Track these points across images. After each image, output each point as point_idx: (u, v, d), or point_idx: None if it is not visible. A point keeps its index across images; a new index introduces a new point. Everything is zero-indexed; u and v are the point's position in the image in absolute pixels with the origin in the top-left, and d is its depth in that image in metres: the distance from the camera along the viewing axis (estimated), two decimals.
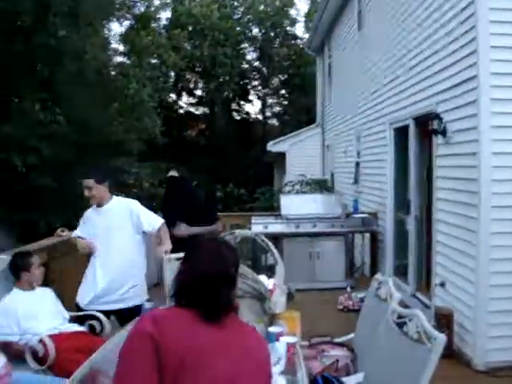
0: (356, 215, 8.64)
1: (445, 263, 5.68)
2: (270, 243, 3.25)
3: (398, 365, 2.52)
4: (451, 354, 5.02)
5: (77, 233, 4.56)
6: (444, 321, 5.16)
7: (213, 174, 25.57)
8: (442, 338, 2.24)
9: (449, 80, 5.52)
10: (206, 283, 1.90)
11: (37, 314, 3.82)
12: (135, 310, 4.12)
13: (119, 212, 4.43)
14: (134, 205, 4.57)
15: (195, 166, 25.21)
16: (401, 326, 2.59)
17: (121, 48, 21.49)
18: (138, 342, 1.73)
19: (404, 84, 7.11)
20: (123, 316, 4.11)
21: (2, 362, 3.27)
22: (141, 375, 1.68)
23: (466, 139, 5.13)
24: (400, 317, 2.63)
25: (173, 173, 5.90)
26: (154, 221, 4.55)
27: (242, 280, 3.01)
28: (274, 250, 3.23)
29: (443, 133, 5.59)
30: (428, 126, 5.90)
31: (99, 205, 4.43)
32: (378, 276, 3.43)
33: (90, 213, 4.55)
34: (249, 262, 7.97)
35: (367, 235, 8.68)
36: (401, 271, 7.54)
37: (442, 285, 5.62)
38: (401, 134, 7.45)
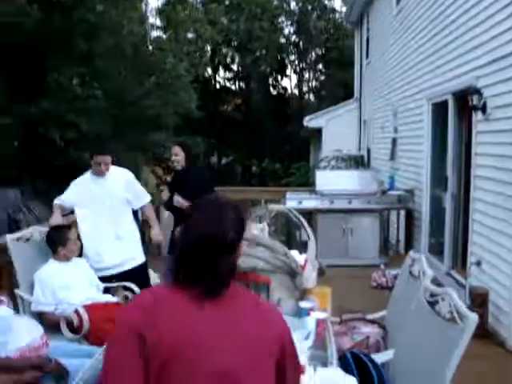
0: (392, 192, 8.54)
1: (481, 242, 5.59)
2: (302, 218, 3.24)
3: (429, 343, 2.49)
4: (485, 334, 4.97)
5: (66, 199, 4.68)
6: (479, 300, 5.10)
7: (248, 149, 25.60)
8: (474, 317, 2.20)
9: (489, 54, 5.37)
10: (199, 249, 1.63)
11: (71, 284, 3.91)
12: (134, 272, 4.54)
13: (116, 182, 4.64)
14: (129, 176, 4.82)
15: (231, 141, 25.28)
16: (433, 304, 2.55)
17: (158, 22, 21.48)
18: (123, 332, 1.57)
19: (443, 58, 6.95)
20: (125, 279, 4.37)
21: (40, 333, 3.36)
22: (128, 367, 1.54)
23: (506, 115, 5.00)
24: (432, 295, 2.59)
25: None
26: (140, 199, 4.83)
27: (274, 255, 3.02)
28: (306, 225, 3.22)
29: (483, 109, 5.45)
30: (467, 102, 5.76)
31: (101, 175, 4.60)
32: (412, 253, 3.39)
33: (86, 180, 4.69)
34: (283, 238, 7.99)
35: (403, 212, 8.58)
36: (436, 249, 7.45)
37: (478, 264, 5.53)
38: (439, 109, 7.31)
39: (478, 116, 5.67)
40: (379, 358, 2.86)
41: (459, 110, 6.67)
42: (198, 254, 1.63)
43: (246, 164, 27.27)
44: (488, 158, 5.50)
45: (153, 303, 1.59)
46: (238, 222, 1.69)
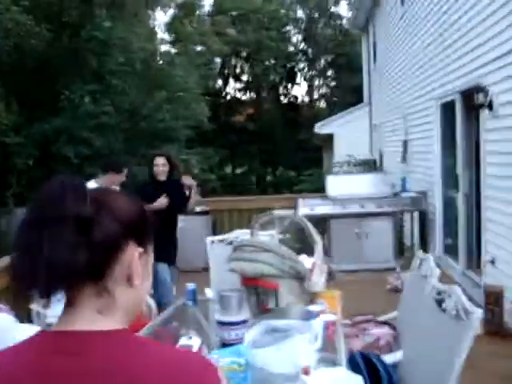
0: (404, 194, 8.51)
1: (495, 240, 5.56)
2: (307, 222, 3.25)
3: (438, 341, 2.50)
4: (502, 332, 4.94)
5: None
6: (494, 298, 5.07)
7: (262, 158, 25.68)
8: (478, 313, 2.20)
9: (494, 51, 5.37)
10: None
11: None
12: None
13: None
14: None
15: (244, 151, 25.37)
16: (440, 302, 2.56)
17: (166, 37, 21.74)
18: None
19: (449, 58, 6.95)
20: None
21: None
22: None
23: None
24: (439, 293, 2.60)
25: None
26: None
27: (282, 260, 3.03)
28: (312, 229, 3.23)
29: (490, 106, 5.44)
30: (474, 100, 5.76)
31: None
32: (420, 253, 3.39)
33: None
34: (297, 245, 7.98)
35: (416, 214, 8.55)
36: (451, 250, 7.42)
37: (492, 262, 5.51)
38: (447, 109, 7.30)
39: (485, 114, 5.66)
40: (389, 358, 2.87)
41: (467, 109, 6.65)
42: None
43: (260, 173, 27.35)
44: (497, 155, 5.48)
45: None
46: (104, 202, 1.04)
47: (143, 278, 1.09)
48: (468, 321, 2.23)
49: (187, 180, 5.49)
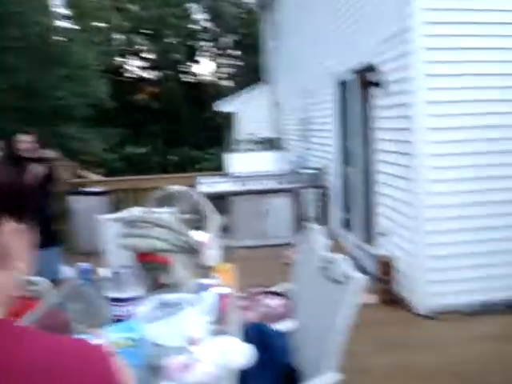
0: (304, 171, 8.72)
1: (386, 213, 5.82)
2: (200, 197, 3.27)
3: (325, 308, 2.59)
4: (392, 301, 5.21)
5: None
6: (386, 268, 5.34)
7: (166, 138, 25.38)
8: (358, 277, 2.31)
9: (384, 31, 5.56)
10: None
11: None
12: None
13: None
14: None
15: (148, 130, 24.95)
16: (326, 270, 2.65)
17: (65, 12, 20.88)
18: None
19: (344, 36, 7.14)
20: None
21: None
22: None
23: (401, 89, 5.21)
24: (325, 262, 2.69)
25: None
26: None
27: (174, 235, 3.03)
28: (203, 204, 3.26)
29: (380, 84, 5.66)
30: (367, 78, 5.96)
31: None
32: (310, 226, 3.49)
33: None
34: (198, 223, 7.99)
35: (316, 190, 8.77)
36: (348, 224, 7.68)
37: (384, 234, 5.77)
38: (343, 87, 7.50)
39: (375, 91, 5.88)
40: (281, 327, 2.95)
41: (360, 87, 6.86)
42: None
43: (164, 152, 27.03)
44: (386, 131, 5.73)
45: None
46: None
47: (21, 259, 0.94)
48: (349, 286, 2.34)
49: (49, 153, 5.64)
